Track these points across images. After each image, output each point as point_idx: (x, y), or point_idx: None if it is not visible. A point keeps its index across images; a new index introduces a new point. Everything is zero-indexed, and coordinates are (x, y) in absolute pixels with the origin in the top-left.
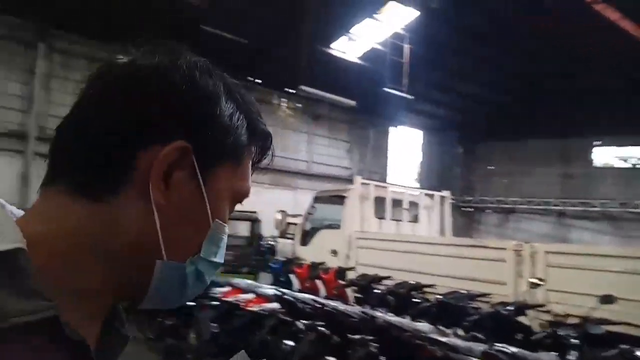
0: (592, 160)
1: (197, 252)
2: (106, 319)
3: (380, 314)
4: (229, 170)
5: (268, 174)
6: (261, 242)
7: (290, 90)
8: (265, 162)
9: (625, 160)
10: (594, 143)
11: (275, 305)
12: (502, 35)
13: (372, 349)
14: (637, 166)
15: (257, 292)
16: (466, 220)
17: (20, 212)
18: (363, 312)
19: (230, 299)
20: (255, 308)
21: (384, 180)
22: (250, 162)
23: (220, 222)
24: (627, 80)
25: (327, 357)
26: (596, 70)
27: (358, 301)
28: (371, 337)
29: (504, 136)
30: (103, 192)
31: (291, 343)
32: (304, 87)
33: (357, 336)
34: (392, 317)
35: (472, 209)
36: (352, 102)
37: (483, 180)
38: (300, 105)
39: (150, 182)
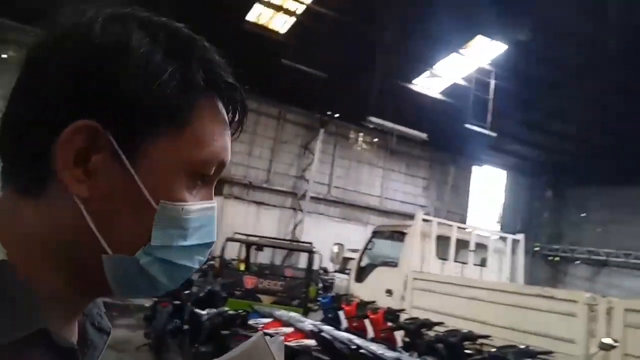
0: None
1: (146, 241)
2: (88, 313)
3: None
4: (167, 139)
5: (339, 207)
6: (322, 277)
7: (362, 123)
8: (237, 120)
9: None
10: None
11: (311, 341)
12: (597, 69)
13: None
14: None
15: (296, 326)
16: (552, 270)
17: None
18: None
19: (269, 330)
20: (291, 343)
21: (464, 222)
22: (217, 119)
23: (171, 202)
24: None
25: None
26: None
27: (405, 346)
28: None
29: (600, 181)
30: (35, 189)
31: None
32: (372, 118)
33: None
34: None
35: (559, 259)
36: (424, 135)
37: (573, 228)
38: (376, 139)
39: (60, 174)
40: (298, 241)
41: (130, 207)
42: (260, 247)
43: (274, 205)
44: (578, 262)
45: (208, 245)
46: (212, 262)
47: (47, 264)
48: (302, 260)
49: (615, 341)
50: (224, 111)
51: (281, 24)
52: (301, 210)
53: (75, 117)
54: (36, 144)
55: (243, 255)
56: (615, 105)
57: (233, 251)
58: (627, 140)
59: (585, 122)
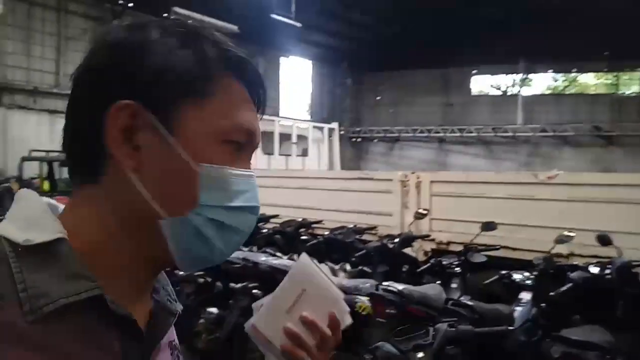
0: (470, 88)
1: (196, 202)
2: (157, 296)
3: (263, 258)
4: (195, 110)
5: None
6: None
7: (165, 15)
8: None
9: (498, 88)
10: (472, 72)
11: None
12: None
13: (256, 296)
14: (508, 93)
15: None
16: (355, 151)
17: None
18: (244, 258)
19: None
20: None
21: (277, 114)
22: (239, 95)
23: (211, 164)
24: (505, 12)
25: (209, 309)
26: (477, 3)
27: (245, 243)
28: (255, 284)
29: (391, 66)
30: (94, 175)
31: (214, 310)
32: (177, 9)
33: (239, 285)
34: (276, 261)
35: (361, 139)
36: (235, 28)
37: (371, 111)
38: None
39: (113, 151)
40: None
41: (176, 174)
42: (64, 163)
43: None
44: (376, 140)
45: (254, 209)
46: (6, 184)
47: (112, 239)
48: None
49: (426, 210)
50: (241, 84)
51: None
52: None
53: (115, 102)
54: (92, 132)
55: (45, 173)
56: None
57: (32, 169)
58: (411, 29)
59: (377, 12)
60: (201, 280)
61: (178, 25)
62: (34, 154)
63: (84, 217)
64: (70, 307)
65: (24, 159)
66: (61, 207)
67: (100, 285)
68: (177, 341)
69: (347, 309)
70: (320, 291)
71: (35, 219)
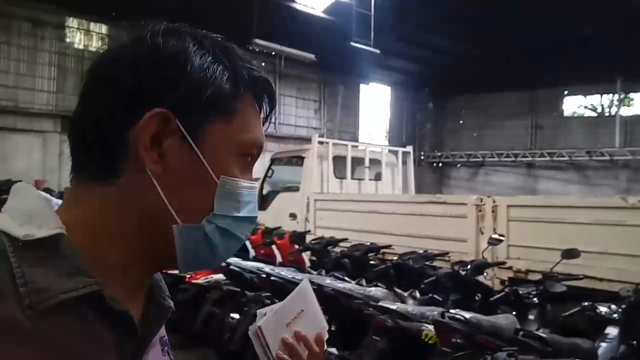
0: (562, 110)
1: (211, 211)
2: (150, 292)
3: (329, 282)
4: (222, 124)
5: None
6: None
7: (248, 47)
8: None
9: (593, 110)
10: (564, 93)
11: (220, 275)
12: None
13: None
14: (605, 114)
15: None
16: (437, 176)
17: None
18: (310, 281)
19: (175, 271)
20: (199, 280)
21: (356, 140)
22: (254, 111)
23: (229, 177)
24: (594, 29)
25: (232, 314)
26: (563, 20)
27: (314, 266)
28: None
29: (474, 90)
30: (110, 175)
31: (237, 316)
32: (258, 41)
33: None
34: (341, 284)
35: (442, 164)
36: (312, 56)
37: (453, 136)
38: (264, 63)
39: (140, 155)
40: None
41: (197, 183)
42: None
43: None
44: (459, 165)
45: (253, 220)
46: None
47: (115, 238)
48: None
49: (502, 235)
50: (256, 103)
51: None
52: None
53: (149, 109)
54: (116, 132)
55: None
56: (479, 18)
57: None
58: (493, 50)
59: (457, 35)
60: (268, 302)
61: (209, 38)
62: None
63: (86, 214)
64: (69, 302)
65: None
66: (55, 201)
67: (99, 281)
68: (167, 337)
69: (327, 335)
70: (313, 314)
71: (34, 213)
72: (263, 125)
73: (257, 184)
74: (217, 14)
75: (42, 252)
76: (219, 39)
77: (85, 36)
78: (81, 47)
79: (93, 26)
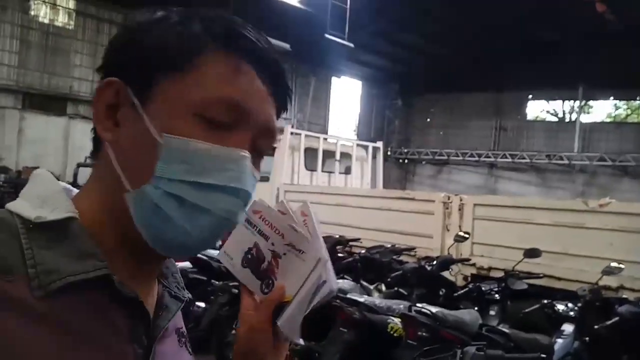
0: (525, 114)
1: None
2: (166, 281)
3: None
4: (173, 82)
5: None
6: None
7: None
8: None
9: (554, 115)
10: (528, 97)
11: (186, 264)
12: None
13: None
14: (565, 120)
15: None
16: (402, 172)
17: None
18: None
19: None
20: None
21: (325, 132)
22: (227, 69)
23: (175, 136)
24: (561, 36)
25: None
26: (531, 24)
27: None
28: None
29: (442, 89)
30: (97, 152)
31: (202, 304)
32: None
33: None
34: None
35: (408, 161)
36: (287, 46)
37: (420, 133)
38: None
39: (95, 124)
40: None
41: (143, 146)
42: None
43: None
44: (424, 162)
45: (234, 191)
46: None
47: (111, 220)
48: None
49: (467, 233)
50: (248, 66)
51: None
52: None
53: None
54: (97, 114)
55: None
56: (449, 18)
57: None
58: (464, 51)
59: (429, 35)
60: (235, 291)
61: (199, 12)
62: (90, 160)
63: (90, 196)
64: (78, 285)
65: (79, 165)
66: (75, 191)
67: (109, 265)
68: (184, 329)
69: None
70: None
71: (48, 198)
72: (272, 88)
73: (241, 153)
74: (192, 1)
75: (53, 235)
76: (208, 11)
77: (52, 10)
78: (46, 21)
79: (60, 0)
